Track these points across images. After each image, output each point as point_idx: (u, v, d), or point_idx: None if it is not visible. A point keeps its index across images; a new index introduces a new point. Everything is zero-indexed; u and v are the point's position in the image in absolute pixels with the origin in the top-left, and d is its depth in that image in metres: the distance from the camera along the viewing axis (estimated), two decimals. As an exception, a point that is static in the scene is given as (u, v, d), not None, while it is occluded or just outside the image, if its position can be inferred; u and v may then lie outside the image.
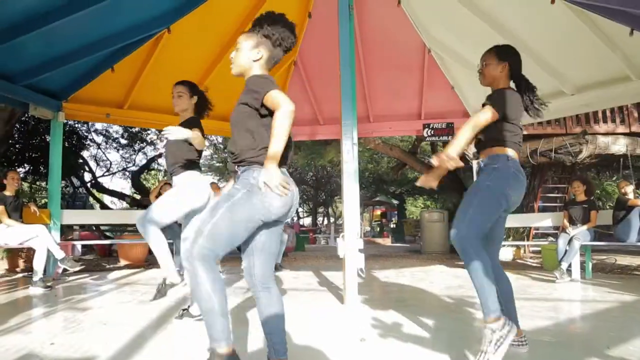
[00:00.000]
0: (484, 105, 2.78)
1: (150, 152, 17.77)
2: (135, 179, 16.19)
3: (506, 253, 9.24)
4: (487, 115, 2.70)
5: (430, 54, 6.83)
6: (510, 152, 2.77)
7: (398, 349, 2.90)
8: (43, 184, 14.65)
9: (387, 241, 17.76)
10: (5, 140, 8.57)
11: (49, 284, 5.53)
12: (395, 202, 22.42)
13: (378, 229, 21.65)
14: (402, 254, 12.01)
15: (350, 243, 4.20)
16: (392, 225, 22.80)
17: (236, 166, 2.29)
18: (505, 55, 2.90)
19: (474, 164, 2.51)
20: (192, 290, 2.11)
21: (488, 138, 2.84)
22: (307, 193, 30.08)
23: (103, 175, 17.78)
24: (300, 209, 35.36)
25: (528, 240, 10.20)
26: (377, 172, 20.19)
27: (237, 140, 2.26)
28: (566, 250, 6.06)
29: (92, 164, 16.93)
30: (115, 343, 3.04)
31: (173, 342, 3.12)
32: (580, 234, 6.12)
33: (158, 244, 3.51)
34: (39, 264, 5.39)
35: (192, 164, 3.71)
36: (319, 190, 28.89)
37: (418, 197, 23.78)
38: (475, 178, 2.98)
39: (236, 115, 2.28)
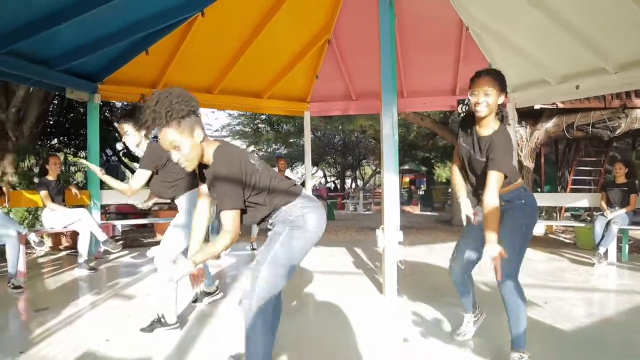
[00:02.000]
0: (492, 161, 2.58)
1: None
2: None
3: (539, 229, 9.14)
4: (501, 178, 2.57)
5: (468, 32, 6.63)
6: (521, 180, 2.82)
7: (442, 353, 2.95)
8: (82, 154, 14.96)
9: (416, 209, 17.74)
10: (42, 118, 8.71)
11: (92, 264, 5.76)
12: (424, 169, 22.26)
13: (407, 196, 21.59)
14: (432, 226, 12.01)
15: (390, 236, 4.21)
16: (421, 193, 22.71)
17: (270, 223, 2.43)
18: (505, 86, 2.66)
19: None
20: (247, 333, 2.26)
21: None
22: (335, 157, 30.05)
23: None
24: (327, 173, 35.41)
25: (560, 215, 10.05)
26: (407, 138, 19.96)
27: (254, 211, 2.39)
28: (604, 235, 5.95)
29: (124, 133, 17.17)
30: (168, 341, 3.16)
31: (223, 338, 3.21)
32: (619, 217, 5.98)
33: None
34: (83, 247, 5.59)
35: (181, 188, 3.69)
36: (346, 154, 28.79)
37: (447, 164, 23.48)
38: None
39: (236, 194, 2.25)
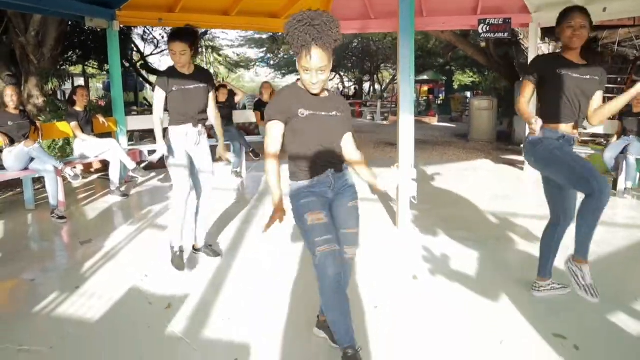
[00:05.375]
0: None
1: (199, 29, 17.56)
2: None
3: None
4: None
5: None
6: None
7: (448, 290, 3.26)
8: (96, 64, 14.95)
9: (433, 120, 17.73)
10: (60, 39, 8.72)
11: (123, 188, 6.14)
12: (443, 78, 21.85)
13: (425, 105, 21.44)
14: (448, 140, 12.15)
15: (404, 173, 4.43)
16: (438, 102, 22.49)
17: (330, 170, 2.39)
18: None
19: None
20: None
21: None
22: (353, 61, 29.49)
23: (152, 54, 17.95)
24: (345, 78, 34.88)
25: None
26: (426, 46, 19.46)
27: (337, 146, 2.41)
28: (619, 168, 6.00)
29: (140, 43, 17.06)
30: (201, 273, 3.55)
31: (258, 272, 3.58)
32: (633, 148, 6.00)
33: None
34: (114, 175, 5.94)
35: None
36: (364, 59, 28.22)
37: (467, 71, 23.01)
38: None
39: (343, 123, 2.39)
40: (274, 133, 2.28)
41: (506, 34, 7.69)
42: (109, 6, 6.51)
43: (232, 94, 8.15)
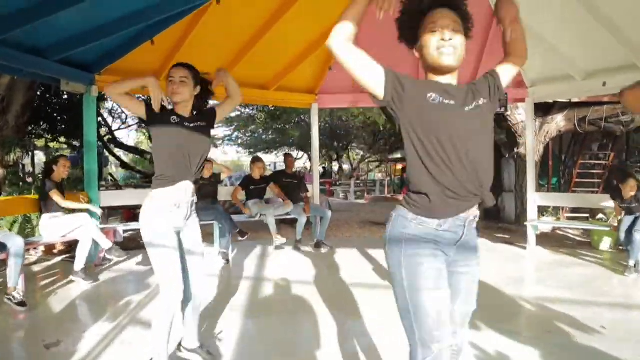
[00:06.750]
0: None
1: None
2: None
3: (546, 226, 8.83)
4: None
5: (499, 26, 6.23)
6: None
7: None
8: (62, 139, 14.17)
9: (408, 198, 17.55)
10: (27, 106, 8.05)
11: (91, 272, 5.31)
12: (416, 156, 22.01)
13: (399, 184, 21.45)
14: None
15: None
16: (412, 181, 22.51)
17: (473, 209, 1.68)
18: None
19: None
20: None
21: None
22: (321, 140, 29.44)
23: (119, 129, 17.39)
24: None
25: (559, 213, 9.81)
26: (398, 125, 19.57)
27: (489, 173, 1.68)
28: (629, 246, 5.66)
29: (108, 118, 16.51)
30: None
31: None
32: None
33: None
34: (82, 254, 5.09)
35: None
36: (333, 139, 28.23)
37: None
38: None
39: (490, 138, 1.72)
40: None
41: (502, 109, 7.51)
42: (88, 70, 5.94)
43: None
